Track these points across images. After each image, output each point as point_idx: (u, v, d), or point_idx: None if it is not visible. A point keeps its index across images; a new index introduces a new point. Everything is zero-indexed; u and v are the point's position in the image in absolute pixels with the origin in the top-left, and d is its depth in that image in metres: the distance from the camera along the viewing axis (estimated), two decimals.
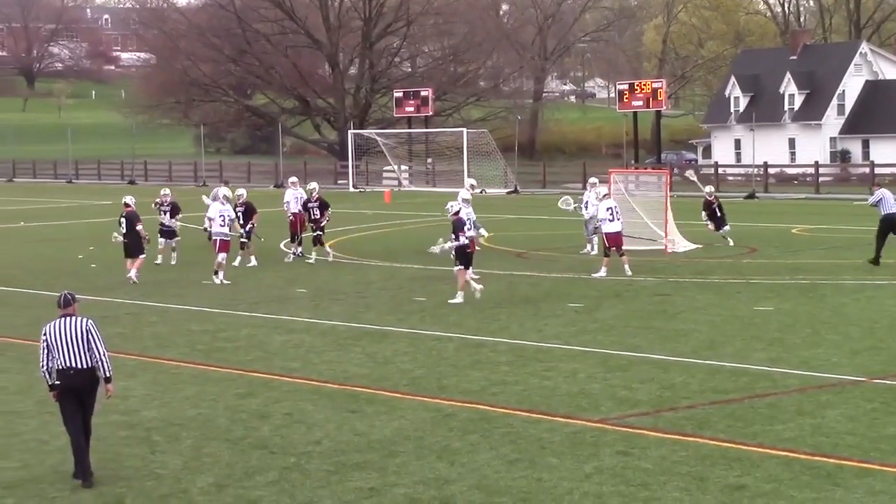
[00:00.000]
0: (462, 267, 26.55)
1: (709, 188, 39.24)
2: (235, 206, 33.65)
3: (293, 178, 37.77)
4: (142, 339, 22.98)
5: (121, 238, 31.45)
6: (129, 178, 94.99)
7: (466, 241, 26.51)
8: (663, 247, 35.33)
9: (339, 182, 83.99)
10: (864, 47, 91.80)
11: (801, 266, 31.86)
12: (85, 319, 13.78)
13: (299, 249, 35.42)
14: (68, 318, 13.71)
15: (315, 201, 34.52)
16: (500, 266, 31.52)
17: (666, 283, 29.16)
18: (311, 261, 34.27)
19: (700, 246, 36.54)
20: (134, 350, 21.71)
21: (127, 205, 31.61)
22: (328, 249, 34.77)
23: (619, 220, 30.66)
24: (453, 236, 26.55)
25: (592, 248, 34.90)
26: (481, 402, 17.00)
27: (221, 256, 30.73)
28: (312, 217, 34.52)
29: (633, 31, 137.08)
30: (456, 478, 13.53)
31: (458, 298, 26.41)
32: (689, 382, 18.03)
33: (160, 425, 16.16)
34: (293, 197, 35.66)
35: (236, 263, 33.54)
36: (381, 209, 57.88)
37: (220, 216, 31.25)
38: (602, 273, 30.11)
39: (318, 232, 34.27)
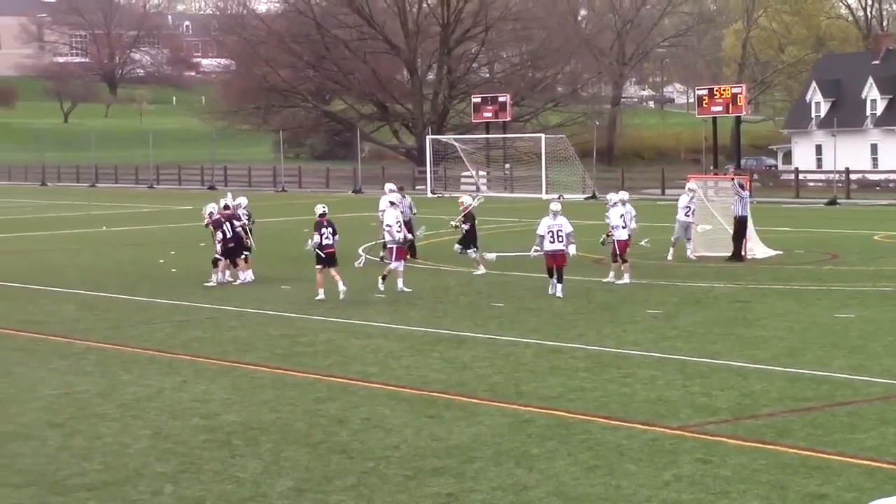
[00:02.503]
0: (320, 266, 28.19)
1: (466, 197, 36.47)
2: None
3: (391, 187, 36.70)
4: (221, 342, 23.16)
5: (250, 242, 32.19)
6: (209, 183, 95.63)
7: (330, 242, 28.04)
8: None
9: (417, 187, 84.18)
10: None
11: (883, 273, 31.49)
12: None
13: (382, 254, 35.37)
14: None
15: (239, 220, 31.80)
16: (577, 272, 31.43)
17: (745, 290, 28.96)
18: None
19: (780, 252, 36.23)
20: (213, 354, 21.90)
21: (239, 206, 32.29)
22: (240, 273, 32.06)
23: (627, 227, 30.74)
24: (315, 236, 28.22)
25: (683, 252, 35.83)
26: (559, 409, 16.96)
27: (398, 264, 29.61)
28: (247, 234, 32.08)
29: (713, 35, 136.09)
30: (534, 484, 13.52)
31: (320, 295, 28.08)
32: (768, 390, 17.89)
33: (240, 429, 16.27)
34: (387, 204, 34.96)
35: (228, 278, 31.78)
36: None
37: (397, 222, 30.15)
38: (626, 279, 30.33)
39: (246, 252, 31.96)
